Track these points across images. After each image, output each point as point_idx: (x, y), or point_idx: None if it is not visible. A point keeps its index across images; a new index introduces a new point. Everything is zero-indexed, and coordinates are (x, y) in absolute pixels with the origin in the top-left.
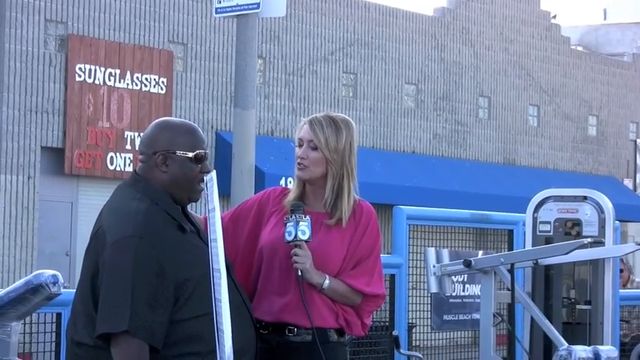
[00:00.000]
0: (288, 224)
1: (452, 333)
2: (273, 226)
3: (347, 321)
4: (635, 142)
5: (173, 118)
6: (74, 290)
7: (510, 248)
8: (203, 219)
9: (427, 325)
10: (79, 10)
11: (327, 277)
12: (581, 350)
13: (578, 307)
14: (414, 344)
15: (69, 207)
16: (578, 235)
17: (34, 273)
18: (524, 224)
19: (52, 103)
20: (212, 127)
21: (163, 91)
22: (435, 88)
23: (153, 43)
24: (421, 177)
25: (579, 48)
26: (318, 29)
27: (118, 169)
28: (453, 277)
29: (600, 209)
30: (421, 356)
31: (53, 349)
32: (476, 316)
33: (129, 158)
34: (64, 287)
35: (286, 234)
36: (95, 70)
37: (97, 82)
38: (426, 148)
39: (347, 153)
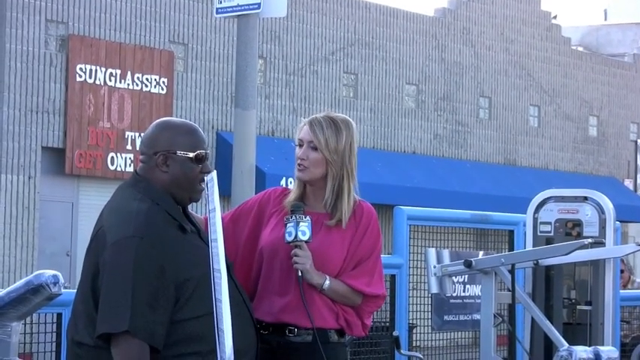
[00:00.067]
0: (288, 225)
1: (452, 333)
2: (274, 226)
3: (347, 321)
4: (636, 142)
5: (174, 119)
6: (75, 290)
7: (511, 249)
8: (204, 219)
9: (428, 326)
10: (79, 11)
11: (328, 277)
12: (581, 351)
13: (578, 307)
14: (414, 345)
15: (69, 207)
16: (579, 235)
17: (34, 273)
18: (524, 225)
19: (52, 103)
20: (213, 128)
21: (164, 92)
22: (436, 88)
23: (153, 44)
24: (422, 177)
25: (580, 48)
26: (319, 29)
27: (118, 169)
28: (454, 277)
29: (601, 210)
30: (422, 357)
31: (54, 349)
32: (476, 316)
33: (129, 158)
34: (65, 287)
35: (286, 234)
36: (96, 71)
37: (97, 82)
38: (426, 149)
39: (347, 153)
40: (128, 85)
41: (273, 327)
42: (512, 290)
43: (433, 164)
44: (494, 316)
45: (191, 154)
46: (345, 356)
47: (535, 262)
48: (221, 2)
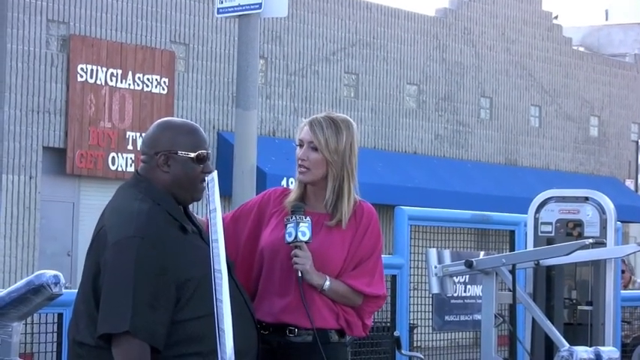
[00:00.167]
0: (288, 225)
1: (453, 334)
2: (274, 227)
3: (348, 322)
4: (637, 142)
5: (175, 119)
6: (76, 290)
7: (512, 249)
8: (205, 221)
9: (428, 326)
10: (80, 11)
11: (328, 278)
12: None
13: (579, 307)
14: (415, 345)
15: (70, 207)
16: (580, 235)
17: (35, 273)
18: (525, 225)
19: (53, 103)
20: (214, 128)
21: (165, 92)
22: (437, 88)
23: (154, 44)
24: (423, 177)
25: (581, 48)
26: (320, 29)
27: (119, 169)
28: (455, 277)
29: (602, 210)
30: (422, 357)
31: (55, 349)
32: (477, 316)
33: (130, 158)
34: (66, 287)
35: (287, 235)
36: (97, 71)
37: (98, 82)
38: (427, 149)
39: (347, 154)
40: (129, 85)
41: (274, 327)
42: (513, 290)
43: (434, 164)
44: (495, 316)
45: (192, 154)
46: (345, 356)
47: (536, 262)
48: (222, 2)
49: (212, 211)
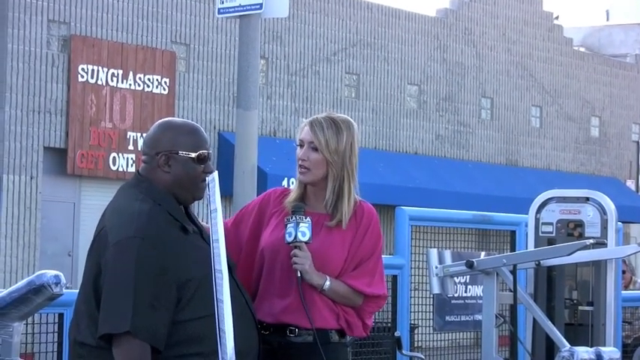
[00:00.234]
0: (288, 225)
1: (454, 334)
2: (274, 227)
3: (348, 322)
4: (638, 143)
5: (175, 119)
6: (76, 291)
7: (513, 249)
8: (207, 229)
9: (429, 326)
10: (81, 11)
11: (328, 278)
12: (583, 351)
13: (580, 308)
14: (416, 345)
15: (71, 207)
16: (581, 236)
17: (36, 273)
18: (526, 225)
19: (54, 103)
20: (214, 128)
21: (166, 92)
22: (438, 88)
23: (155, 44)
24: (423, 178)
25: (582, 49)
26: (321, 30)
27: (120, 169)
28: (456, 278)
29: (603, 210)
30: (423, 357)
31: (55, 349)
32: (478, 317)
33: (131, 159)
34: (67, 288)
35: (286, 235)
36: (98, 71)
37: (99, 82)
38: (428, 149)
39: (348, 154)
40: (130, 85)
41: (274, 328)
42: (514, 291)
43: (435, 165)
44: (496, 316)
45: (193, 154)
46: (345, 356)
47: (537, 262)
48: (223, 2)
49: (213, 211)
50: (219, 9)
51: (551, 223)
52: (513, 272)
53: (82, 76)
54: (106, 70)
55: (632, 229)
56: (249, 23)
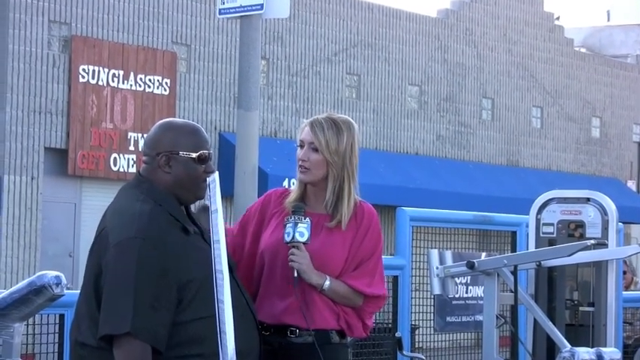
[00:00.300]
0: (287, 225)
1: (455, 335)
2: (274, 228)
3: (348, 323)
4: (639, 143)
5: (176, 119)
6: (77, 291)
7: (513, 250)
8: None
9: (430, 327)
10: (82, 11)
11: (328, 277)
12: (584, 352)
13: (581, 308)
14: (416, 346)
15: (72, 208)
16: (582, 236)
17: (37, 274)
18: (527, 226)
19: (55, 104)
20: (215, 128)
21: (167, 92)
22: (439, 89)
23: (156, 44)
24: (424, 178)
25: (583, 49)
26: (322, 30)
27: (121, 170)
28: (456, 278)
29: (603, 211)
30: (424, 358)
31: (56, 350)
32: (479, 317)
33: (132, 159)
34: (67, 288)
35: (285, 235)
36: (99, 71)
37: (100, 83)
38: (429, 150)
39: (348, 155)
40: (131, 85)
41: (275, 328)
42: (515, 291)
43: (436, 165)
44: (497, 317)
45: (194, 155)
46: (346, 357)
47: (538, 263)
48: (224, 3)
49: (213, 212)
50: (220, 9)
51: (552, 224)
52: (514, 273)
53: (83, 77)
54: (106, 70)
55: (632, 229)
56: (250, 24)
